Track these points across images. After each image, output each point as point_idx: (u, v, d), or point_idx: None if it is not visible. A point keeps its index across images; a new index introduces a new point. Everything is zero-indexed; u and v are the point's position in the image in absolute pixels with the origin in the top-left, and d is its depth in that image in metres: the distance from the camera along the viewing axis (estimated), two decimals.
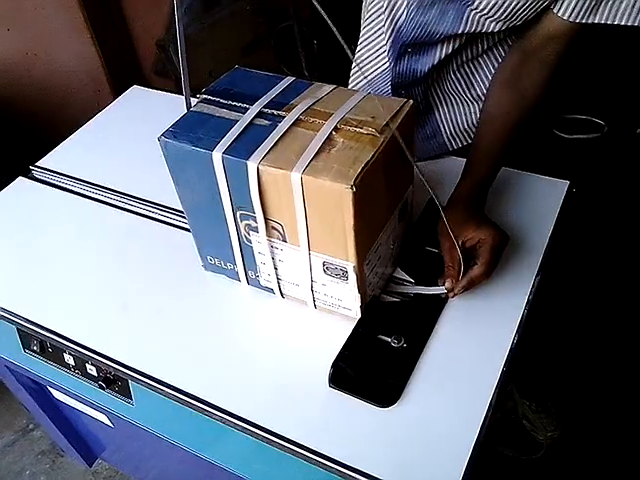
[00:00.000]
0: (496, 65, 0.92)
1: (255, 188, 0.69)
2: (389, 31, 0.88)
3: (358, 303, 0.76)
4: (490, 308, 0.81)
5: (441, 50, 0.87)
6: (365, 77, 0.98)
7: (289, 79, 0.79)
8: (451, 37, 0.84)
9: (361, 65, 0.97)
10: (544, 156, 1.26)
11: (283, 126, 0.71)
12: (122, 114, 1.22)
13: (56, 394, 1.12)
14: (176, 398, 0.76)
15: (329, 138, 0.69)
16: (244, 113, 0.73)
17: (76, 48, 1.99)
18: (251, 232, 0.76)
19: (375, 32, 0.92)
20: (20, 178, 1.11)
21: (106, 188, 1.05)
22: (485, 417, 0.70)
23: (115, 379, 0.86)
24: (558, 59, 0.82)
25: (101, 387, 0.86)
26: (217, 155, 0.69)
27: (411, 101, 0.73)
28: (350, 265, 0.71)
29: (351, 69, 1.00)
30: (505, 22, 0.79)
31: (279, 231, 0.73)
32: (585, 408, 1.46)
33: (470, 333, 0.79)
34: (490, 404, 0.71)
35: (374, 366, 0.75)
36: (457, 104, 0.99)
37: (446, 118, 1.00)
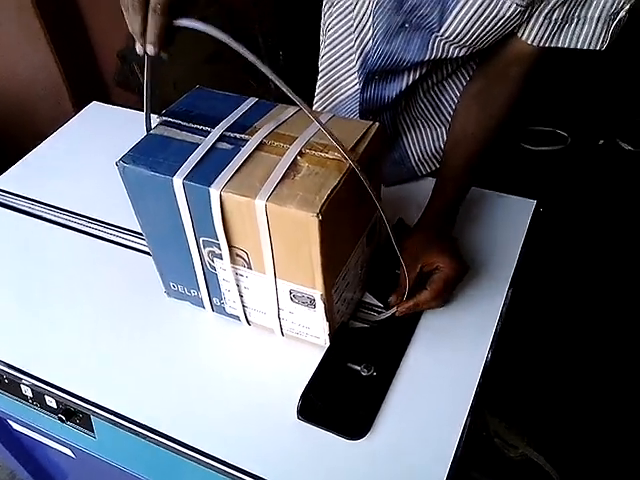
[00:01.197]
0: (462, 87, 0.91)
1: (218, 215, 0.66)
2: (358, 56, 0.87)
3: (327, 331, 0.74)
4: (462, 328, 0.80)
5: (408, 77, 0.86)
6: (335, 98, 0.96)
7: (252, 100, 0.77)
8: (417, 64, 0.83)
9: (330, 86, 0.95)
10: (511, 168, 1.26)
11: (246, 150, 0.68)
12: (81, 131, 1.18)
13: (15, 426, 1.07)
14: (138, 433, 0.73)
15: (294, 163, 0.66)
16: (206, 136, 0.71)
17: (34, 57, 1.93)
18: (215, 259, 0.73)
19: (343, 54, 0.90)
20: None
21: (65, 210, 1.02)
22: (459, 443, 0.69)
23: (76, 411, 0.82)
24: (523, 81, 0.81)
25: (61, 420, 0.82)
26: (178, 181, 0.66)
27: (377, 124, 0.71)
28: (317, 293, 0.69)
29: (316, 88, 0.98)
30: (470, 47, 0.78)
31: (244, 258, 0.71)
32: (557, 424, 1.45)
33: (442, 355, 0.77)
34: (464, 428, 0.70)
35: (344, 397, 0.73)
36: (424, 129, 0.97)
37: (414, 143, 0.98)
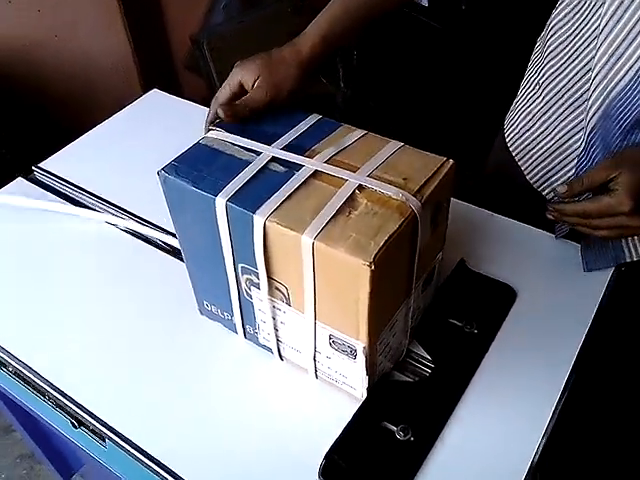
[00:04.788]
0: None
1: (260, 245, 0.60)
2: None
3: (365, 384, 0.66)
4: (518, 395, 0.71)
5: None
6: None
7: (314, 117, 0.69)
8: None
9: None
10: None
11: (300, 176, 0.61)
12: (137, 119, 1.13)
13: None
14: (147, 465, 0.67)
15: (351, 198, 0.59)
16: (258, 154, 0.64)
17: (107, 34, 1.92)
18: (252, 287, 0.66)
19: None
20: (19, 179, 1.03)
21: (109, 203, 0.96)
22: None
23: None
24: None
25: (73, 425, 0.78)
26: (221, 201, 0.60)
27: (451, 161, 0.63)
28: (360, 345, 0.61)
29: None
30: None
31: (283, 293, 0.64)
32: None
33: (491, 425, 0.68)
34: None
35: (373, 462, 0.65)
36: None
37: None
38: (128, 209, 0.95)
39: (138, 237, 0.91)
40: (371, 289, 0.55)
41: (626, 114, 0.67)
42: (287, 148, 0.64)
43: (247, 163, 0.63)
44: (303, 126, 0.67)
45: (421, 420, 0.68)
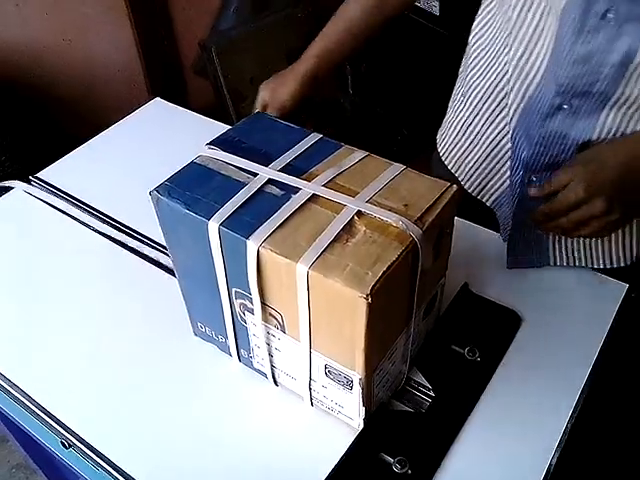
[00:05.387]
0: None
1: (253, 271, 0.57)
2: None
3: (362, 415, 0.64)
4: (521, 426, 0.68)
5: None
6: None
7: (315, 136, 0.67)
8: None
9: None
10: None
11: (297, 200, 0.59)
12: (139, 129, 1.11)
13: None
14: None
15: (349, 224, 0.56)
16: (255, 175, 0.62)
17: (115, 38, 1.90)
18: (246, 312, 0.64)
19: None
20: (16, 189, 1.01)
21: (105, 215, 0.94)
22: None
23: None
24: None
25: (64, 445, 0.75)
26: (214, 225, 0.58)
27: (455, 186, 0.60)
28: (356, 376, 0.59)
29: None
30: None
31: (277, 320, 0.61)
32: None
33: (495, 460, 0.65)
34: None
35: None
36: None
37: None
38: (124, 222, 0.93)
39: (132, 251, 0.89)
40: (368, 321, 0.52)
41: (541, 103, 0.72)
42: (285, 170, 0.62)
43: (242, 185, 0.61)
44: (302, 146, 0.65)
45: (419, 452, 0.65)
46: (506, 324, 0.76)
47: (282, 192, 0.60)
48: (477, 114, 0.85)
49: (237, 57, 2.11)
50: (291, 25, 2.22)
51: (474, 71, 0.85)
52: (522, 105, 0.75)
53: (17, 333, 0.81)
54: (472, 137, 0.87)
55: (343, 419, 0.66)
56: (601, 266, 0.83)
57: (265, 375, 0.71)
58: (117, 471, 0.66)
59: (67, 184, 1.00)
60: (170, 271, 0.85)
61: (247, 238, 0.56)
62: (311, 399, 0.68)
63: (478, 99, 0.84)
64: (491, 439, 0.67)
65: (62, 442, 0.75)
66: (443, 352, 0.73)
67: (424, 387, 0.71)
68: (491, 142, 0.84)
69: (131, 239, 0.90)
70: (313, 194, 0.59)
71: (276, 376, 0.70)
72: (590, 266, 0.83)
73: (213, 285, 0.64)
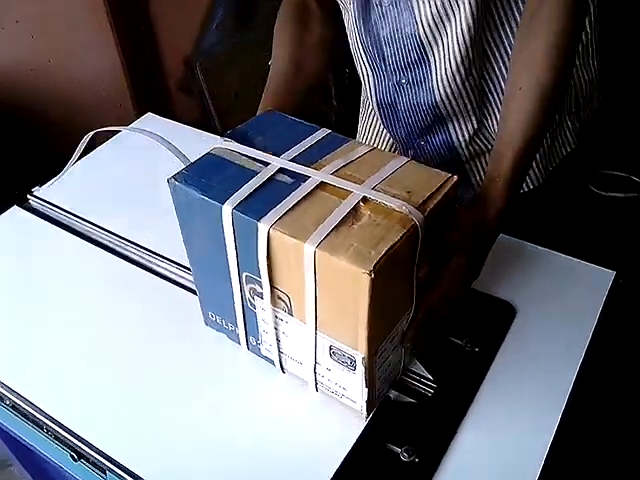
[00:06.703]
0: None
1: (263, 253, 0.60)
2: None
3: (365, 397, 0.66)
4: (522, 413, 0.70)
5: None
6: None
7: (324, 131, 0.71)
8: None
9: None
10: (579, 212, 1.14)
11: (306, 187, 0.62)
12: (134, 144, 1.08)
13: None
14: None
15: (355, 209, 0.60)
16: (266, 165, 0.65)
17: (100, 58, 1.94)
18: (256, 297, 0.67)
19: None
20: (14, 207, 1.02)
21: (107, 230, 0.95)
22: None
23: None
24: (566, 17, 0.73)
25: (73, 458, 0.75)
26: (227, 209, 0.61)
27: (455, 177, 0.64)
28: (359, 355, 0.61)
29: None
30: None
31: (285, 302, 0.64)
32: None
33: (496, 445, 0.67)
34: None
35: None
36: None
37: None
38: (126, 237, 0.94)
39: (133, 263, 0.91)
40: (371, 298, 0.55)
41: None
42: (295, 160, 0.65)
43: (255, 173, 0.64)
44: (312, 139, 0.68)
45: (425, 441, 0.67)
46: (501, 316, 0.79)
47: (292, 180, 0.63)
48: None
49: (221, 73, 2.14)
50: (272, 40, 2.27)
51: None
52: None
53: (20, 342, 0.83)
54: None
55: (347, 403, 0.69)
56: None
57: (272, 362, 0.74)
58: (132, 476, 0.68)
59: (65, 201, 1.01)
60: (173, 281, 0.88)
61: (258, 220, 0.59)
62: (316, 384, 0.70)
63: None
64: (493, 424, 0.69)
65: (71, 455, 0.74)
66: (442, 344, 0.76)
67: (425, 379, 0.73)
68: None
69: (144, 255, 0.92)
70: (321, 182, 0.62)
71: (283, 362, 0.72)
72: None
73: (225, 272, 0.67)
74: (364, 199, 0.60)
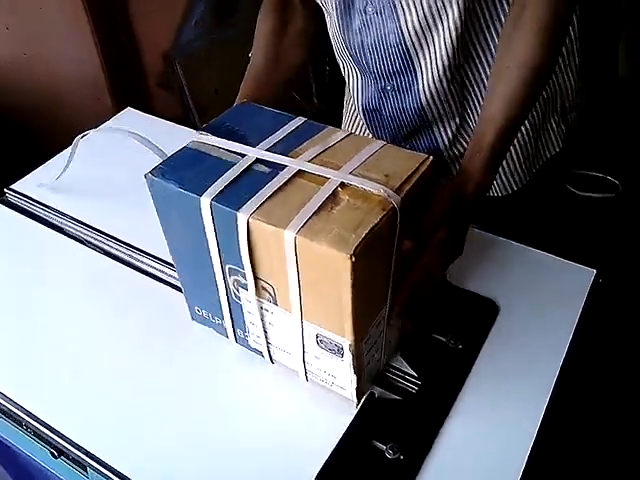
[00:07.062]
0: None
1: (245, 243, 0.60)
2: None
3: (354, 384, 0.66)
4: (506, 409, 0.70)
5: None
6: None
7: (299, 120, 0.70)
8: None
9: None
10: (557, 212, 1.15)
11: (284, 175, 0.62)
12: (113, 139, 1.04)
13: None
14: None
15: (333, 194, 0.59)
16: (244, 156, 0.65)
17: (77, 51, 1.90)
18: (240, 289, 0.67)
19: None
20: None
21: (87, 225, 0.95)
22: None
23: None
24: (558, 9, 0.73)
25: (53, 455, 0.74)
26: (205, 201, 0.61)
27: (432, 157, 0.64)
28: (346, 342, 0.61)
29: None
30: None
31: (270, 292, 0.64)
32: None
33: (480, 441, 0.67)
34: None
35: None
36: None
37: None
38: (106, 231, 0.94)
39: (113, 258, 0.91)
40: (353, 281, 0.55)
41: None
42: (272, 149, 0.65)
43: (232, 165, 0.64)
44: (288, 128, 0.68)
45: (410, 438, 0.67)
46: (484, 313, 0.79)
47: (270, 169, 0.63)
48: None
49: (201, 69, 2.13)
50: (252, 36, 2.26)
51: None
52: None
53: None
54: None
55: (337, 391, 0.69)
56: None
57: (261, 354, 0.73)
58: (113, 472, 0.67)
59: (43, 195, 1.01)
60: (155, 277, 0.88)
61: (237, 211, 0.59)
62: (306, 373, 0.70)
63: None
64: (478, 420, 0.69)
65: (51, 452, 0.74)
66: (426, 341, 0.76)
67: (410, 375, 0.73)
68: None
69: (117, 247, 0.92)
70: (299, 170, 0.62)
71: (272, 353, 0.72)
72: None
73: (208, 265, 0.67)
74: (342, 184, 0.60)
